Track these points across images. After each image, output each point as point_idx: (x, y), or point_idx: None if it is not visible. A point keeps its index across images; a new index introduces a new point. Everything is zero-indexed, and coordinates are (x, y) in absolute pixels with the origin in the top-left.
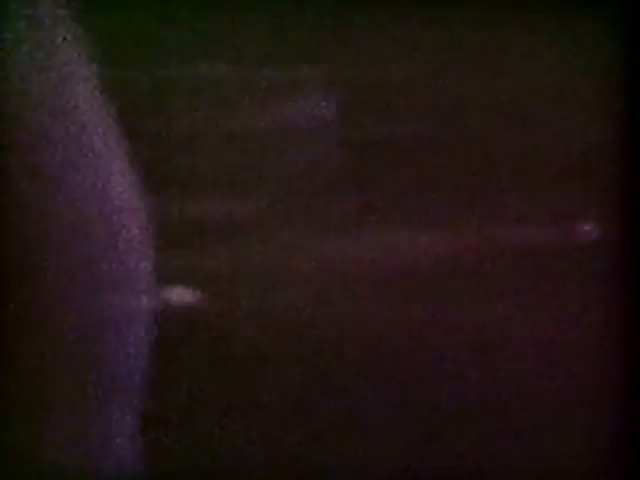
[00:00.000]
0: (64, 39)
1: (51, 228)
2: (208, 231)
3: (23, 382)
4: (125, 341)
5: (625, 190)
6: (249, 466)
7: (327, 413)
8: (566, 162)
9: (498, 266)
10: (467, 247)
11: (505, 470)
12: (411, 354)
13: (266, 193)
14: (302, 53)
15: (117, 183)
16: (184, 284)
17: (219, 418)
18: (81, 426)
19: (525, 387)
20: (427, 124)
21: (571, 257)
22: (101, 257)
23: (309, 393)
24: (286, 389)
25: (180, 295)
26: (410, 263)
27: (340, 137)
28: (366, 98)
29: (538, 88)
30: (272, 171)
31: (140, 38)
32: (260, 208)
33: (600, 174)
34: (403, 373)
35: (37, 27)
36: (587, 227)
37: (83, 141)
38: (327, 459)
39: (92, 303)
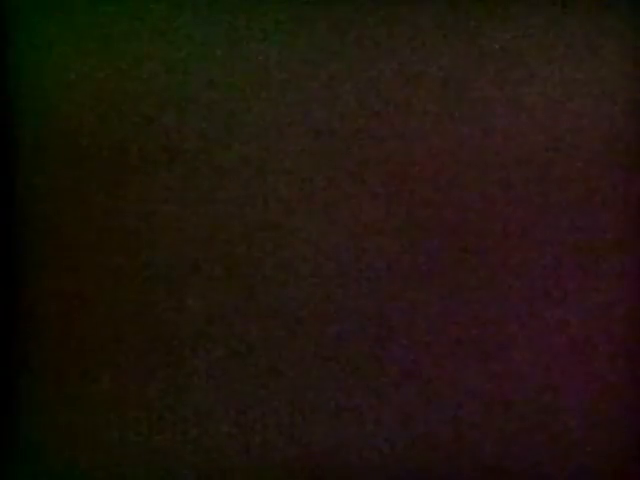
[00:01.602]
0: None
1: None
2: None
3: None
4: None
5: None
6: None
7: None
8: (586, 156)
9: (515, 264)
10: (486, 241)
11: (520, 469)
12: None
13: None
14: None
15: None
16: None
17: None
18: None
19: (543, 386)
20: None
21: (592, 255)
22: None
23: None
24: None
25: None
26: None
27: None
28: None
29: (557, 83)
30: None
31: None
32: None
33: (622, 170)
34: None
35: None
36: (610, 223)
37: None
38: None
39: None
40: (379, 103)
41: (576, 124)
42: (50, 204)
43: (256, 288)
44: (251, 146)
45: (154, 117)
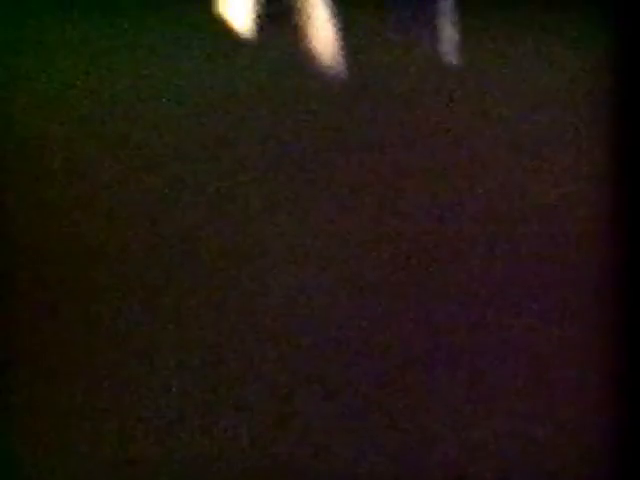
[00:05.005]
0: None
1: None
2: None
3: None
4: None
5: (620, 189)
6: None
7: None
8: (559, 162)
9: (495, 267)
10: (465, 245)
11: (500, 471)
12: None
13: None
14: None
15: None
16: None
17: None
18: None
19: (521, 388)
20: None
21: (559, 266)
22: None
23: None
24: None
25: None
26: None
27: None
28: None
29: (530, 88)
30: None
31: None
32: None
33: (593, 172)
34: (398, 374)
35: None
36: (581, 225)
37: None
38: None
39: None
40: (348, 114)
41: (540, 131)
42: (19, 219)
43: (227, 300)
44: (223, 159)
45: (125, 132)
